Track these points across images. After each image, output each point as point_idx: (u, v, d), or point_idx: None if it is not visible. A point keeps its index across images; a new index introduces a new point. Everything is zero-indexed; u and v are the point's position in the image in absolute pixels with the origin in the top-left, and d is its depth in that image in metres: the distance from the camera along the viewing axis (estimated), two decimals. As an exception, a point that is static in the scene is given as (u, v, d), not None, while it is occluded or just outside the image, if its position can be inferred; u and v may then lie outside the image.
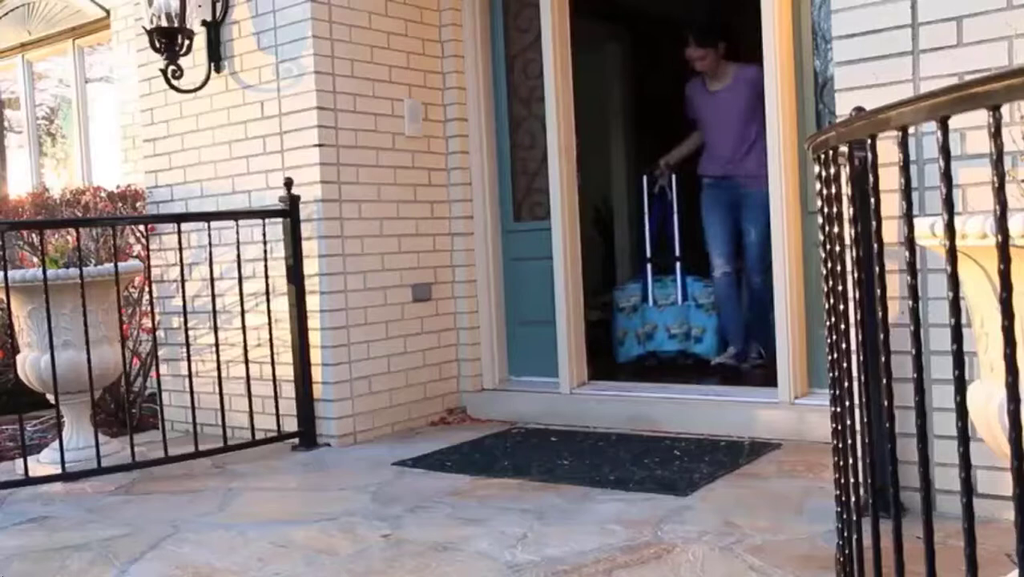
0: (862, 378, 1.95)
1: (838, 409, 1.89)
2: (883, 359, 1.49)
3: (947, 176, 1.26)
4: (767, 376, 4.05)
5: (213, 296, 3.87)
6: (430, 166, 4.54)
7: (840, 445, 1.87)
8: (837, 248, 1.84)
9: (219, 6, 4.22)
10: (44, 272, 3.49)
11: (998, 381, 1.36)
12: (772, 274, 3.85)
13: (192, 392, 3.84)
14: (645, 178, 5.44)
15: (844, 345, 1.81)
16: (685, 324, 5.01)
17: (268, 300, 3.97)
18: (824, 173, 1.87)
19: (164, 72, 4.14)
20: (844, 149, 2.41)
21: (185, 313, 3.89)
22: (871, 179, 1.49)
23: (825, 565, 2.25)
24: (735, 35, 4.76)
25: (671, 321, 5.02)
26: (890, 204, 2.08)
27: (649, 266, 5.27)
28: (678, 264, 5.13)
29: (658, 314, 5.04)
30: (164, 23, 4.03)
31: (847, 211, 1.86)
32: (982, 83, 1.13)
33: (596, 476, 3.31)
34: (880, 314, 1.50)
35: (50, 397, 3.71)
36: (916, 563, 1.46)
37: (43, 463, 3.74)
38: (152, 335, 4.50)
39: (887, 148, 1.73)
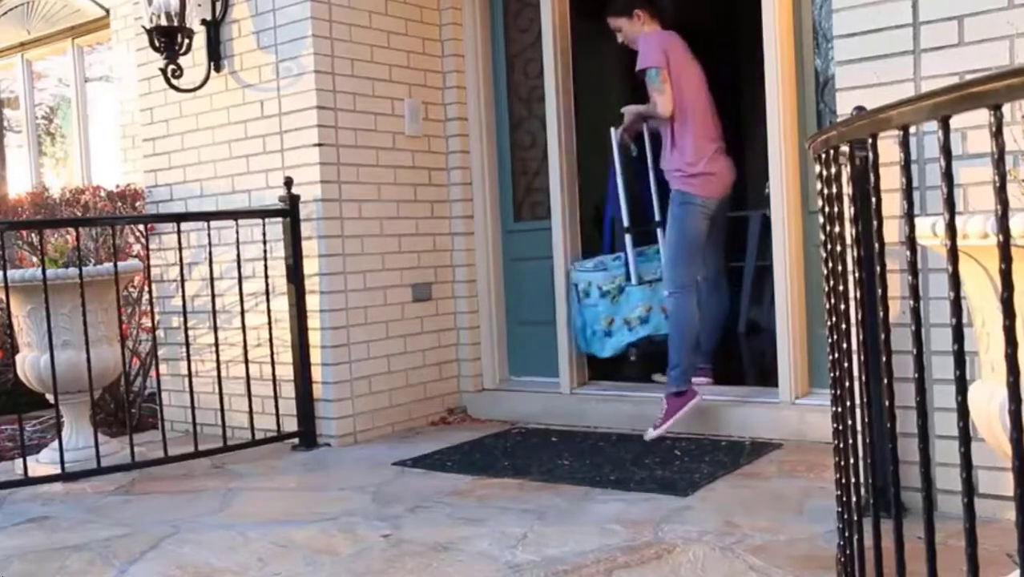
0: (863, 378, 1.95)
1: (839, 409, 1.88)
2: (884, 359, 1.49)
3: (948, 176, 1.26)
4: (768, 376, 4.04)
5: (213, 296, 3.87)
6: (430, 166, 4.53)
7: (841, 445, 1.87)
8: (838, 248, 1.84)
9: (219, 5, 4.22)
10: (43, 272, 3.49)
11: (999, 381, 1.36)
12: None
13: (192, 392, 3.84)
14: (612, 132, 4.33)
15: (845, 345, 1.81)
16: (638, 306, 4.21)
17: (268, 300, 3.97)
18: (825, 173, 1.86)
19: (164, 71, 4.14)
20: (845, 148, 2.41)
21: (185, 313, 3.88)
22: (872, 178, 1.49)
23: (826, 565, 2.25)
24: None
25: (627, 311, 4.23)
26: (891, 204, 2.07)
27: (629, 240, 4.33)
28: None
29: (611, 306, 4.23)
30: (164, 22, 4.03)
31: (848, 211, 1.85)
32: (983, 82, 1.13)
33: (596, 476, 3.30)
34: (881, 314, 1.50)
35: (49, 397, 3.71)
36: (917, 563, 1.46)
37: (42, 463, 3.74)
38: (152, 335, 4.49)
39: (888, 147, 1.72)
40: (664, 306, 4.01)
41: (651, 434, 3.79)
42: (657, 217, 4.21)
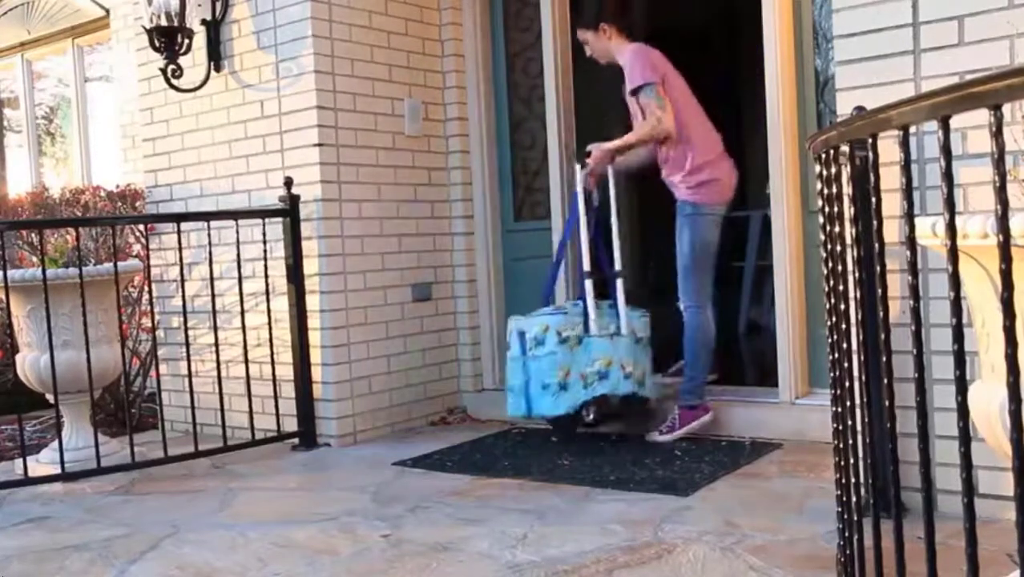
0: (863, 378, 1.95)
1: (839, 409, 1.88)
2: (884, 359, 1.49)
3: (948, 175, 1.26)
4: (768, 376, 4.04)
5: (213, 296, 3.87)
6: (430, 165, 4.53)
7: (841, 445, 1.87)
8: (838, 248, 1.84)
9: (219, 5, 4.22)
10: (43, 272, 3.49)
11: (999, 381, 1.35)
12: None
13: (192, 392, 3.84)
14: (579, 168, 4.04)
15: (845, 345, 1.81)
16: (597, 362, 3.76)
17: (268, 300, 3.97)
18: (825, 173, 1.86)
19: (164, 71, 4.14)
20: (845, 148, 2.41)
21: (185, 313, 3.88)
22: (872, 178, 1.49)
23: (826, 565, 2.25)
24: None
25: (585, 363, 3.77)
26: (891, 204, 2.07)
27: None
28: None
29: (569, 355, 3.75)
30: (164, 22, 4.03)
31: (848, 211, 1.85)
32: (983, 82, 1.13)
33: (596, 476, 3.30)
34: (881, 314, 1.50)
35: (49, 397, 3.70)
36: (917, 563, 1.46)
37: (42, 463, 3.74)
38: (152, 335, 4.49)
39: (888, 147, 1.72)
40: (624, 364, 3.76)
41: (656, 438, 3.78)
42: (618, 266, 3.92)
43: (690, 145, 3.76)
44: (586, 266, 3.89)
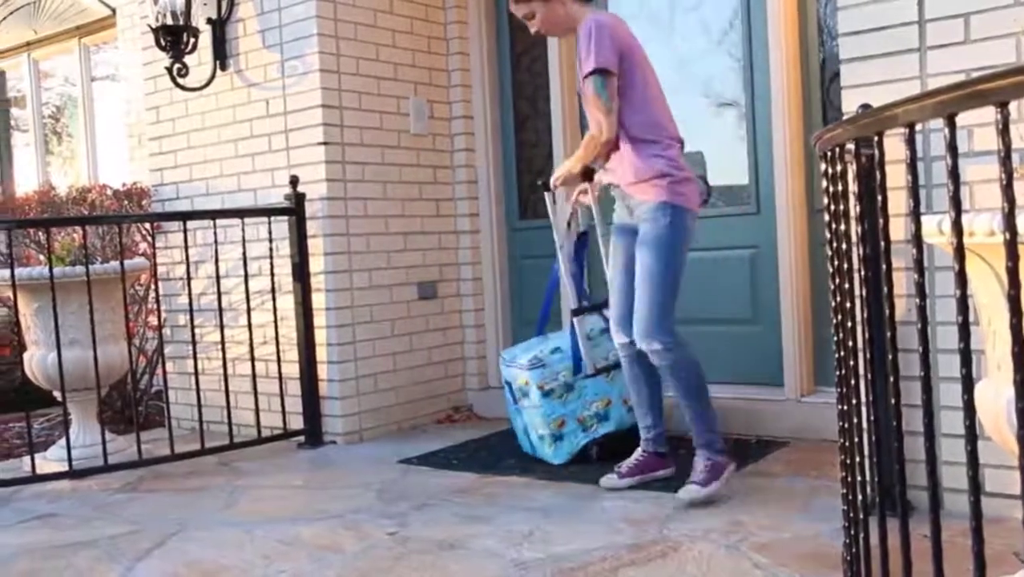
0: (869, 376, 1.94)
1: (845, 407, 1.88)
2: (890, 357, 1.49)
3: (954, 173, 1.26)
4: (773, 375, 4.03)
5: (219, 294, 3.88)
6: (436, 164, 4.54)
7: (847, 443, 1.86)
8: (844, 246, 1.84)
9: (224, 4, 4.23)
10: (51, 270, 3.50)
11: (1006, 379, 1.35)
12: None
13: (198, 390, 3.85)
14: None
15: (851, 343, 1.81)
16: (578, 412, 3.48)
17: (274, 298, 3.97)
18: (831, 171, 1.86)
19: (169, 70, 4.15)
20: (851, 146, 2.40)
21: (191, 311, 3.89)
22: (878, 176, 1.48)
23: (831, 564, 2.25)
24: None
25: (580, 408, 3.49)
26: (897, 201, 2.06)
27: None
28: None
29: (559, 405, 3.46)
30: (169, 21, 4.04)
31: (854, 209, 1.85)
32: (989, 80, 1.12)
33: (602, 474, 3.29)
34: (887, 312, 1.50)
35: (57, 395, 3.72)
36: (923, 562, 1.46)
37: (50, 460, 3.75)
38: (158, 333, 4.50)
39: (894, 145, 1.72)
40: (626, 399, 3.37)
41: (695, 495, 2.87)
42: (574, 303, 3.47)
43: (666, 135, 2.96)
44: (572, 303, 3.45)
